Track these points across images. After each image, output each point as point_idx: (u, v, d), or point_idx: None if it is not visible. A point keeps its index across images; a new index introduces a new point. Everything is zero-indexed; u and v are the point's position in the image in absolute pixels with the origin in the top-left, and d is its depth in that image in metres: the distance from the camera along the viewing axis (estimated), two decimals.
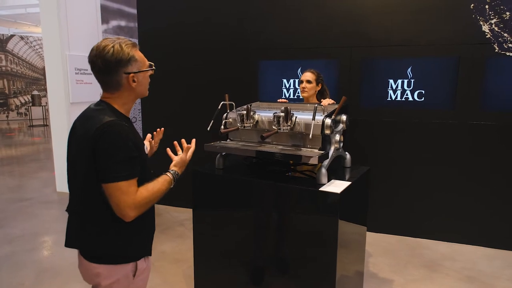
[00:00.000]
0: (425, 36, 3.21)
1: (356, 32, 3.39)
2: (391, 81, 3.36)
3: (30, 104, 13.47)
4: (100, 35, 5.03)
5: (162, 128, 1.66)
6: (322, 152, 1.89)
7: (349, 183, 1.91)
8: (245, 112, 2.03)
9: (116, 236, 1.29)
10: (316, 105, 1.92)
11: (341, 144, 2.11)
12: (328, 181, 1.94)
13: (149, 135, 1.72)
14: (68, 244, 1.35)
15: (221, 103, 2.18)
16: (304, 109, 2.17)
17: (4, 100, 13.82)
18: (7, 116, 13.91)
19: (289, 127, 1.93)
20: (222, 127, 2.17)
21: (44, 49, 4.72)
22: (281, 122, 1.91)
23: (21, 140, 9.74)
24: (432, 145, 3.30)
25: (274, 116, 1.93)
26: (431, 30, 3.19)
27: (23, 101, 14.24)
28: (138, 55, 1.31)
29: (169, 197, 4.15)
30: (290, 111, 1.89)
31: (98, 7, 4.96)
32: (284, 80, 3.68)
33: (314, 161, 1.79)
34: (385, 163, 3.45)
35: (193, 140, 1.53)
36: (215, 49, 3.89)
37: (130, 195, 1.21)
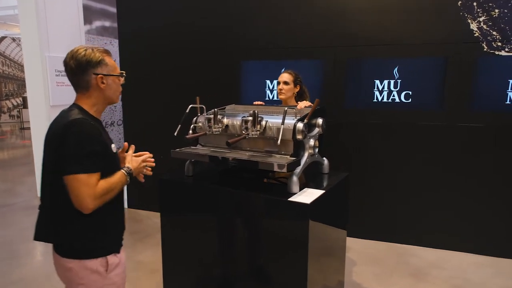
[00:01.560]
0: (412, 35, 3.09)
1: (341, 32, 3.26)
2: (377, 81, 3.24)
3: (22, 107, 13.33)
4: (82, 36, 4.90)
5: (130, 145, 1.62)
6: (293, 159, 1.77)
7: (321, 192, 1.79)
8: (212, 116, 1.90)
9: (83, 230, 1.36)
10: (286, 108, 1.79)
11: (316, 150, 1.98)
12: (301, 189, 1.82)
13: (126, 145, 1.65)
14: (37, 237, 1.42)
15: (189, 106, 2.05)
16: (278, 113, 2.05)
17: None
18: None
19: (258, 132, 1.81)
20: (190, 132, 2.04)
21: (23, 50, 4.58)
22: (249, 126, 1.78)
23: (12, 143, 9.60)
24: (420, 148, 3.18)
25: (242, 120, 1.81)
26: (418, 29, 3.07)
27: (15, 103, 14.09)
28: (109, 61, 1.42)
29: (150, 202, 4.01)
30: (257, 115, 1.76)
31: (80, 7, 4.82)
32: (268, 81, 3.56)
33: (282, 168, 1.66)
34: (371, 167, 3.32)
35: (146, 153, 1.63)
36: (196, 50, 3.76)
37: (90, 187, 1.29)
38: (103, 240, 1.42)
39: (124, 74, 1.48)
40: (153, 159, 1.62)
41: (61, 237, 1.38)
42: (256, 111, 1.75)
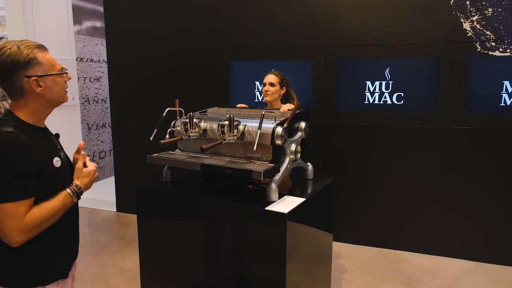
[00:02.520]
0: (403, 35, 3.01)
1: (331, 31, 3.18)
2: (369, 83, 3.15)
3: None
4: (72, 37, 4.82)
5: (83, 153, 1.35)
6: (271, 165, 1.68)
7: (301, 200, 1.70)
8: (188, 120, 1.82)
9: (16, 258, 1.15)
10: (263, 112, 1.71)
11: (299, 155, 1.89)
12: (281, 197, 1.73)
13: (81, 144, 1.43)
14: None
15: (166, 109, 1.97)
16: (259, 116, 1.96)
17: None
18: None
19: (235, 136, 1.72)
20: (167, 136, 1.96)
21: None
22: (226, 131, 1.70)
23: None
24: (412, 151, 3.10)
25: (218, 124, 1.72)
26: (409, 29, 2.99)
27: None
28: (44, 57, 1.18)
29: None
30: (233, 119, 1.68)
31: (69, 7, 4.74)
32: (257, 83, 3.48)
33: (258, 176, 1.58)
34: (362, 170, 3.24)
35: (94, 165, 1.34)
36: (185, 51, 3.68)
37: (16, 218, 1.08)
38: (44, 269, 1.21)
39: (66, 71, 1.23)
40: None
41: None
42: (232, 115, 1.67)
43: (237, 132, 1.72)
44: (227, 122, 1.69)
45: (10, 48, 1.12)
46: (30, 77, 1.14)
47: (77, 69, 4.94)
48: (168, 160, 1.88)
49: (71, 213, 1.27)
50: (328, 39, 3.20)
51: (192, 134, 1.84)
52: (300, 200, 1.70)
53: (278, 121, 1.76)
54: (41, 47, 1.19)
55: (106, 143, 5.57)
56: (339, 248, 3.22)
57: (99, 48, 5.40)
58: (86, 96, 5.21)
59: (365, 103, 3.18)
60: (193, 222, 1.87)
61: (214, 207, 1.77)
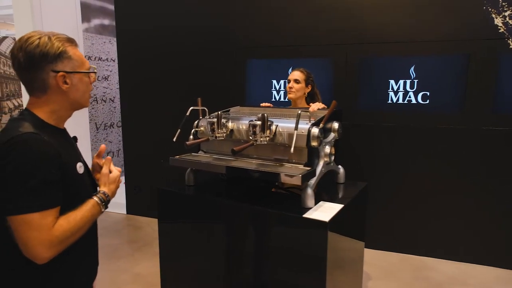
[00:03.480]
0: (430, 32, 2.87)
1: (353, 28, 3.05)
2: (392, 82, 3.02)
3: (23, 107, 13.22)
4: (80, 35, 4.70)
5: (108, 157, 1.21)
6: (308, 168, 1.56)
7: (341, 206, 1.57)
8: (215, 120, 1.69)
9: (33, 280, 1.02)
10: (299, 111, 1.58)
11: (333, 157, 1.77)
12: (316, 203, 1.61)
13: (103, 147, 1.27)
14: None
15: (190, 108, 1.84)
16: (289, 116, 1.84)
17: None
18: None
19: (267, 137, 1.60)
20: (191, 137, 1.83)
21: None
22: (257, 132, 1.57)
23: None
24: (438, 153, 2.96)
25: (250, 125, 1.60)
26: (436, 25, 2.85)
27: (16, 104, 13.98)
28: (74, 53, 1.08)
29: (151, 208, 3.74)
30: (267, 119, 1.55)
31: (77, 4, 4.62)
32: (274, 81, 3.35)
33: (296, 181, 1.45)
34: (385, 173, 3.10)
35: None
36: (199, 49, 3.56)
37: (43, 230, 0.94)
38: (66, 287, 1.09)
39: (95, 71, 1.14)
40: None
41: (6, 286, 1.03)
42: (265, 115, 1.54)
43: (269, 133, 1.59)
44: (259, 122, 1.56)
45: (39, 38, 1.01)
46: (57, 72, 1.03)
47: None
48: (193, 163, 1.76)
49: (91, 230, 1.13)
50: (349, 37, 3.07)
51: (219, 135, 1.72)
52: (338, 206, 1.57)
53: (313, 121, 1.63)
54: (72, 41, 1.09)
55: (114, 143, 5.45)
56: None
57: (107, 47, 5.29)
58: (94, 95, 5.10)
59: (388, 103, 3.05)
60: (219, 228, 1.74)
61: (245, 213, 1.65)
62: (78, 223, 1.02)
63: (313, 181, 1.59)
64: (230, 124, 1.75)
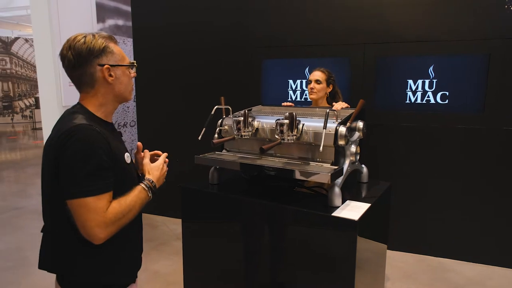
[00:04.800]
0: (450, 31, 2.85)
1: (370, 27, 3.04)
2: (410, 81, 3.00)
3: (34, 107, 13.36)
4: None
5: (146, 151, 1.33)
6: (335, 168, 1.55)
7: (368, 205, 1.57)
8: (242, 118, 1.70)
9: (89, 262, 1.11)
10: (328, 110, 1.58)
11: (358, 157, 1.76)
12: (343, 202, 1.60)
13: (139, 145, 1.42)
14: (41, 265, 1.17)
15: (215, 107, 1.85)
16: (313, 115, 1.84)
17: (9, 103, 13.74)
18: (12, 119, 13.82)
19: (294, 136, 1.60)
20: (216, 135, 1.84)
21: (35, 50, 4.45)
22: (284, 131, 1.57)
23: (23, 144, 9.57)
24: (457, 154, 2.93)
25: (277, 123, 1.60)
26: (456, 23, 2.83)
27: (27, 103, 14.15)
28: (116, 48, 1.18)
29: (167, 207, 3.76)
30: (295, 118, 1.55)
31: (93, 5, 4.68)
32: (290, 81, 3.35)
33: (325, 179, 1.45)
34: (403, 173, 3.09)
35: (164, 154, 1.36)
36: (215, 48, 3.57)
37: (98, 213, 1.03)
38: (115, 273, 1.16)
39: (135, 64, 1.22)
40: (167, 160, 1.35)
41: (63, 268, 1.12)
42: (294, 113, 1.54)
43: (297, 132, 1.59)
44: (286, 121, 1.56)
45: (85, 37, 1.12)
46: (103, 65, 1.13)
47: None
48: (220, 161, 1.77)
49: (137, 219, 1.22)
50: (366, 36, 3.06)
51: (245, 133, 1.72)
52: (365, 205, 1.57)
53: (340, 120, 1.63)
54: (112, 38, 1.19)
55: (127, 143, 5.49)
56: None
57: (121, 47, 5.28)
58: None
59: (406, 103, 3.03)
60: (243, 227, 1.75)
61: (271, 211, 1.65)
62: (127, 206, 1.10)
63: (340, 180, 1.59)
64: (255, 123, 1.76)
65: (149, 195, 1.20)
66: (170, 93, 3.83)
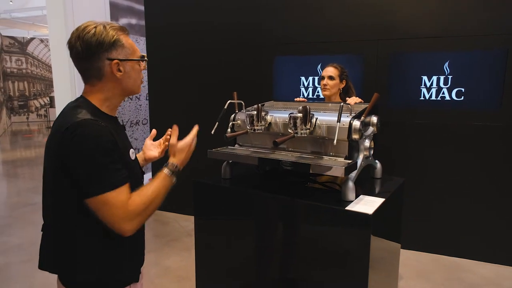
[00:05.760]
0: (465, 25, 2.80)
1: (384, 22, 3.00)
2: (425, 78, 2.96)
3: (49, 106, 13.61)
4: None
5: (175, 126, 1.28)
6: (349, 161, 1.54)
7: (382, 200, 1.55)
8: (255, 112, 1.69)
9: (91, 259, 1.08)
10: (342, 104, 1.56)
11: (372, 152, 1.74)
12: (356, 196, 1.58)
13: (154, 132, 1.47)
14: (42, 265, 1.15)
15: (228, 102, 1.85)
16: (326, 109, 1.83)
17: (24, 102, 14.02)
18: (27, 118, 14.10)
19: (308, 130, 1.59)
20: (229, 130, 1.84)
21: (51, 50, 4.53)
22: (298, 124, 1.56)
23: (38, 142, 9.74)
24: (474, 152, 2.88)
25: (290, 117, 1.59)
26: (472, 18, 2.78)
27: (42, 103, 14.42)
28: (127, 41, 1.12)
29: (178, 204, 3.78)
30: (309, 112, 1.54)
31: (107, 4, 4.74)
32: (302, 78, 3.34)
33: (339, 172, 1.43)
34: (417, 172, 3.04)
35: (195, 127, 1.33)
36: (227, 45, 3.58)
37: (120, 207, 1.01)
38: (117, 271, 1.12)
39: (145, 59, 1.17)
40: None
41: (65, 267, 1.09)
42: (308, 107, 1.53)
43: (310, 126, 1.58)
44: (300, 115, 1.55)
45: (95, 27, 1.05)
46: (112, 60, 1.07)
47: None
48: (234, 155, 1.77)
49: None
50: (379, 31, 3.02)
51: (258, 127, 1.72)
52: (379, 200, 1.54)
53: (354, 114, 1.61)
54: (125, 30, 1.13)
55: (139, 140, 5.55)
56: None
57: None
58: None
59: (421, 99, 2.99)
60: (256, 222, 1.74)
61: (284, 206, 1.64)
62: (151, 195, 1.07)
63: (354, 174, 1.57)
64: (268, 117, 1.75)
65: (174, 181, 1.16)
66: (183, 91, 3.86)
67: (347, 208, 1.44)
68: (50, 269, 1.12)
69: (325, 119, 1.62)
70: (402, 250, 3.06)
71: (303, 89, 3.35)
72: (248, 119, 1.72)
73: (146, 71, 4.65)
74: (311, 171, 1.50)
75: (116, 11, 5.05)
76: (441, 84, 2.92)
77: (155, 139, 1.62)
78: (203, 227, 1.93)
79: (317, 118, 1.63)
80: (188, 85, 3.82)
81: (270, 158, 1.65)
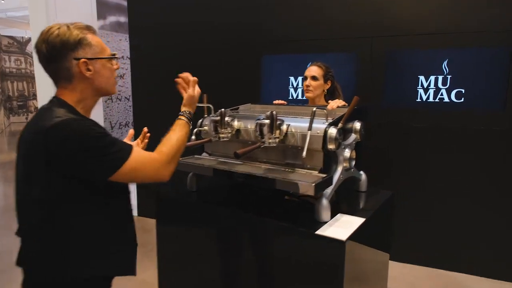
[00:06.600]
0: (466, 21, 2.57)
1: (378, 19, 2.78)
2: (422, 78, 2.74)
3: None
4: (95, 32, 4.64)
5: (145, 129, 1.47)
6: (323, 175, 1.33)
7: (362, 220, 1.34)
8: (218, 118, 1.50)
9: (62, 254, 1.06)
10: (314, 109, 1.36)
11: (353, 163, 1.53)
12: (334, 215, 1.38)
13: (131, 132, 1.51)
14: (18, 262, 1.13)
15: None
16: (304, 114, 1.62)
17: (23, 102, 13.95)
18: (26, 118, 14.03)
19: (277, 139, 1.38)
20: (194, 137, 1.64)
21: (33, 46, 4.37)
22: (265, 132, 1.36)
23: None
24: (474, 158, 2.65)
25: (257, 124, 1.39)
26: (473, 14, 2.55)
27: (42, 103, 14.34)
28: (94, 39, 1.11)
29: None
30: (276, 118, 1.34)
31: (93, 1, 4.56)
32: (292, 78, 3.13)
33: (308, 190, 1.23)
34: (413, 179, 2.82)
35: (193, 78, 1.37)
36: (213, 44, 3.38)
37: (150, 161, 1.08)
38: (91, 265, 1.10)
39: (116, 56, 1.15)
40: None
41: (53, 264, 1.06)
42: (274, 112, 1.33)
43: (279, 134, 1.38)
44: (267, 121, 1.35)
45: (59, 28, 1.05)
46: (79, 59, 1.05)
47: None
48: (193, 166, 1.57)
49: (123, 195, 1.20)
50: (373, 28, 2.80)
51: (223, 135, 1.52)
52: (358, 220, 1.34)
53: (330, 120, 1.41)
54: (91, 29, 1.11)
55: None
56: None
57: (123, 44, 5.21)
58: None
59: (417, 101, 2.77)
60: (222, 239, 1.55)
61: (251, 224, 1.44)
62: (175, 144, 1.14)
63: (329, 190, 1.36)
64: (236, 123, 1.55)
65: (190, 126, 1.23)
66: (167, 93, 3.66)
67: (318, 231, 1.24)
68: (23, 266, 1.09)
69: (299, 126, 1.42)
70: (395, 263, 2.85)
71: (292, 90, 3.14)
72: (212, 125, 1.53)
73: (130, 71, 4.47)
74: (276, 187, 1.30)
75: (103, 8, 4.87)
76: (440, 85, 2.70)
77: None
78: (167, 242, 1.74)
79: (289, 125, 1.43)
80: (173, 86, 3.63)
81: (233, 171, 1.44)
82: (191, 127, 1.25)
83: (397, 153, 2.85)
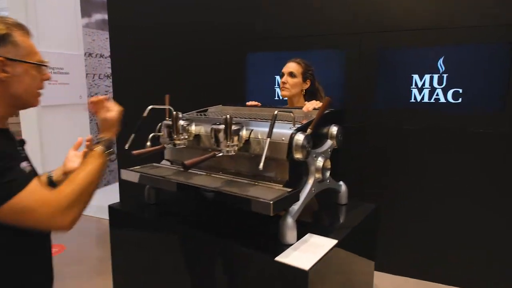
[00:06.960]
0: (464, 16, 2.37)
1: (368, 15, 2.59)
2: (416, 76, 2.54)
3: None
4: (79, 30, 4.47)
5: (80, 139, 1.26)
6: (287, 190, 1.14)
7: (334, 242, 1.14)
8: (171, 122, 1.31)
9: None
10: (275, 112, 1.16)
11: (328, 173, 1.34)
12: (302, 236, 1.18)
13: (80, 140, 1.29)
14: None
15: (149, 108, 1.46)
16: (278, 118, 1.43)
17: None
18: None
19: (235, 146, 1.19)
20: (148, 144, 1.45)
21: None
22: (221, 139, 1.17)
23: None
24: (471, 162, 2.45)
25: (212, 129, 1.20)
26: (471, 8, 2.35)
27: None
28: (23, 40, 0.96)
29: None
30: (231, 123, 1.14)
31: None
32: (277, 77, 2.93)
33: (264, 209, 1.03)
34: (404, 185, 2.62)
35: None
36: (196, 44, 3.20)
37: (42, 204, 0.87)
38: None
39: (46, 64, 1.01)
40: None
41: None
42: (229, 116, 1.13)
43: (237, 141, 1.18)
44: (223, 126, 1.16)
45: None
46: None
47: (86, 65, 4.58)
48: (145, 177, 1.38)
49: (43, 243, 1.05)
50: (363, 24, 2.61)
51: (179, 141, 1.33)
52: (329, 243, 1.14)
53: (299, 125, 1.21)
54: (24, 28, 0.97)
55: (115, 145, 5.21)
56: (377, 280, 2.62)
57: (108, 43, 5.04)
58: (96, 94, 4.85)
59: (411, 102, 2.56)
60: (178, 259, 1.36)
61: (210, 245, 1.25)
62: (82, 182, 0.95)
63: (296, 206, 1.17)
64: (193, 128, 1.36)
65: (110, 158, 1.08)
66: (148, 94, 3.48)
67: (278, 258, 1.04)
68: None
69: (263, 130, 1.23)
70: (386, 275, 2.65)
71: (278, 90, 2.95)
72: (165, 130, 1.34)
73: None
74: (229, 203, 1.11)
75: (88, 6, 4.70)
76: (435, 84, 2.50)
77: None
78: (121, 260, 1.55)
79: (251, 131, 1.24)
80: (156, 87, 3.44)
81: (187, 183, 1.25)
82: (113, 154, 1.11)
83: (388, 159, 2.65)
